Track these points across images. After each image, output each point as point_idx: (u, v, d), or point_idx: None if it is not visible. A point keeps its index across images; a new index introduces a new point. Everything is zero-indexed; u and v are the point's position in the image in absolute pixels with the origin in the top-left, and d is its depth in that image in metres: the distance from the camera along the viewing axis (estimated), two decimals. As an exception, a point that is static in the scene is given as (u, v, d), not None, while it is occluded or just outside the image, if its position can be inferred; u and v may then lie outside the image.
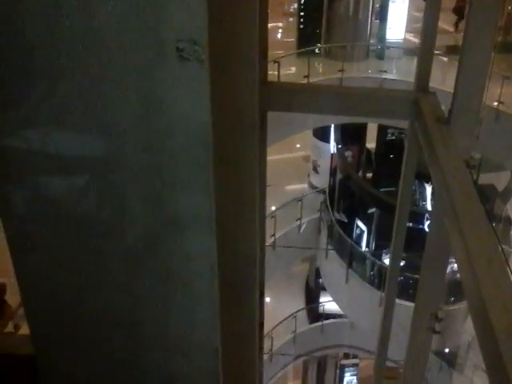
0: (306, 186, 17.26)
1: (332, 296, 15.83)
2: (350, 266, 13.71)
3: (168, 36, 1.56)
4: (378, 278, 13.03)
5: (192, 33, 1.56)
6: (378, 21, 15.53)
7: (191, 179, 1.78)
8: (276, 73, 11.63)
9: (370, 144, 16.82)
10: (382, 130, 15.99)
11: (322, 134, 16.32)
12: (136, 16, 1.55)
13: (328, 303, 17.09)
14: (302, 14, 15.46)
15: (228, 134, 2.51)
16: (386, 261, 12.93)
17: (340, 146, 15.54)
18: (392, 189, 12.55)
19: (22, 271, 1.96)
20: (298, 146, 19.23)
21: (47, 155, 1.76)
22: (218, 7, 1.70)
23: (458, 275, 2.66)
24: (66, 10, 1.55)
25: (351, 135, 15.72)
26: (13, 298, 4.24)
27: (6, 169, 1.79)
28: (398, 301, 4.30)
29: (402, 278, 10.34)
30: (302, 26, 15.48)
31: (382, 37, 15.34)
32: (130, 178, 1.79)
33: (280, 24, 18.24)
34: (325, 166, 16.39)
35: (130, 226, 1.88)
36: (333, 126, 15.47)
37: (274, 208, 13.71)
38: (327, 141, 16.34)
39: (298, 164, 18.26)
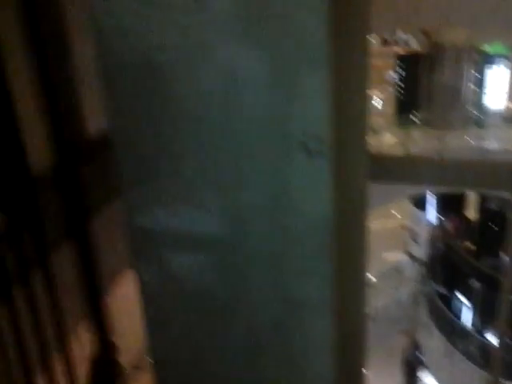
0: (403, 255, 16.81)
1: (432, 373, 15.01)
2: (451, 341, 13.01)
3: (294, 131, 1.66)
4: (482, 356, 12.25)
5: (317, 129, 1.64)
6: (477, 89, 15.31)
7: (313, 265, 1.83)
8: (375, 143, 11.68)
9: (472, 213, 16.23)
10: (483, 200, 15.42)
11: (420, 203, 16.01)
12: (266, 110, 1.66)
13: (428, 379, 16.19)
14: (399, 82, 15.57)
15: (340, 212, 2.51)
16: (490, 337, 12.18)
17: (440, 215, 15.12)
18: (495, 261, 11.97)
19: (155, 343, 2.09)
20: (395, 213, 18.88)
21: (175, 233, 1.88)
22: (339, 100, 1.73)
23: None
24: (196, 100, 1.70)
25: (451, 204, 15.29)
26: (123, 358, 4.40)
27: (138, 245, 1.93)
28: (505, 382, 4.07)
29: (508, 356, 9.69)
30: (400, 95, 15.55)
31: (481, 105, 15.07)
32: (253, 260, 1.87)
33: (378, 92, 18.35)
34: (423, 235, 15.97)
35: (251, 306, 1.95)
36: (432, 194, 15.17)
37: (371, 277, 13.44)
38: (426, 209, 15.98)
39: (395, 232, 17.87)
